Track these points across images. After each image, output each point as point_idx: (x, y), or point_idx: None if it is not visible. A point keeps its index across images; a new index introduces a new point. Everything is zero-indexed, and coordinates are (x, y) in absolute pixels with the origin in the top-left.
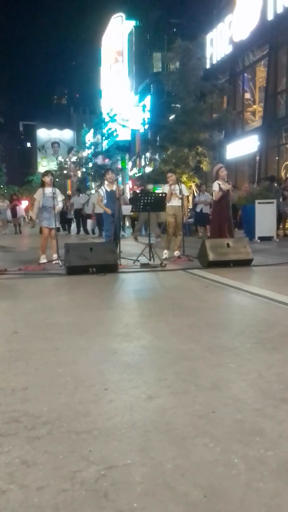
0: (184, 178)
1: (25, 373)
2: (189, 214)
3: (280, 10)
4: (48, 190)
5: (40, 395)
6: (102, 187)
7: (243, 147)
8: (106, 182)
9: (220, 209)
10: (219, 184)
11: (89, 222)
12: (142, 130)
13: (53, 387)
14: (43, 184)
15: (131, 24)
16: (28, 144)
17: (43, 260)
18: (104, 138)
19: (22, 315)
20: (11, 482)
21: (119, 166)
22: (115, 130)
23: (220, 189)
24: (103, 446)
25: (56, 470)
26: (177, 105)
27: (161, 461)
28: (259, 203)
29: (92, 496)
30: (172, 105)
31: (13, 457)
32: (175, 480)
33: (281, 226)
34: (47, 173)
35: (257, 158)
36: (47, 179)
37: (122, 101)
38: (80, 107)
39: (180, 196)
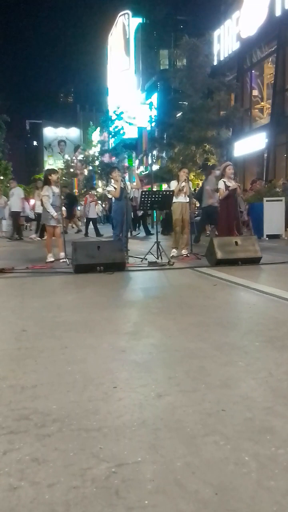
0: (191, 176)
1: (34, 371)
2: (196, 212)
3: None
4: (55, 188)
5: (49, 392)
6: (110, 185)
7: (251, 144)
8: (112, 181)
9: (227, 207)
10: (224, 182)
11: (4, 223)
12: (149, 128)
13: (62, 385)
14: (49, 182)
15: (137, 21)
16: (35, 143)
17: (50, 258)
18: (110, 136)
19: (30, 313)
20: (22, 479)
21: (126, 164)
22: (122, 128)
23: (226, 187)
24: (113, 444)
25: (66, 468)
26: (184, 103)
27: (171, 459)
28: (267, 200)
29: (103, 493)
30: (179, 102)
31: (24, 454)
32: (185, 477)
33: None
34: (54, 171)
35: (265, 155)
36: (55, 177)
37: (129, 99)
38: (87, 105)
39: (188, 194)
